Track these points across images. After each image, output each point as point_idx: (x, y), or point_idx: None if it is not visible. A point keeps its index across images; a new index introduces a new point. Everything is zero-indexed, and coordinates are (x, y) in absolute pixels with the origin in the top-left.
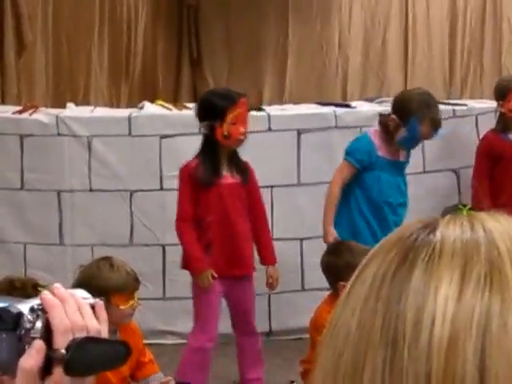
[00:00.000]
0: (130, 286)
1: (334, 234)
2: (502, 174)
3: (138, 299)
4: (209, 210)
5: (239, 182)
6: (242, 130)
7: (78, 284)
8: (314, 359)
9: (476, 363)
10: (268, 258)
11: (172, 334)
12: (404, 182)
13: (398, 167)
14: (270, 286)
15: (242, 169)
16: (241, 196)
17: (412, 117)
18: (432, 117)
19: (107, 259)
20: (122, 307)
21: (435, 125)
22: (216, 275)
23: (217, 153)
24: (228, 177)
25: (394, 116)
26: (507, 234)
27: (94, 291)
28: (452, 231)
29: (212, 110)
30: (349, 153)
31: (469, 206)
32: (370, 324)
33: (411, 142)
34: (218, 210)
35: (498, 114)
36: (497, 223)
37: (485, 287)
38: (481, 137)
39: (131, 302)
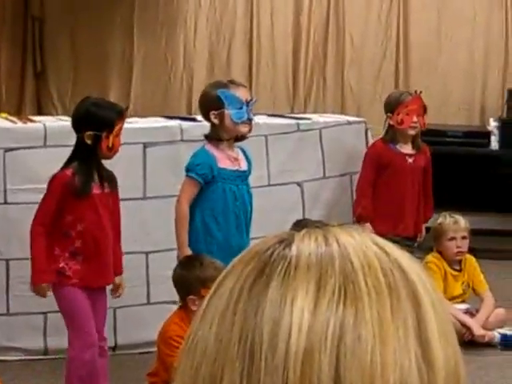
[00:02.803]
0: None
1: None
2: (386, 183)
3: None
4: (80, 220)
5: (108, 191)
6: (120, 141)
7: None
8: (161, 372)
9: (331, 374)
10: (119, 269)
11: (16, 350)
12: (248, 192)
13: (241, 177)
14: (117, 295)
15: (111, 178)
16: (109, 206)
17: (218, 94)
18: (228, 81)
19: None
20: None
21: (235, 82)
22: (79, 285)
23: (93, 163)
24: (99, 187)
25: (211, 113)
26: (360, 248)
27: None
28: (307, 245)
29: (100, 121)
30: (190, 169)
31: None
32: (227, 337)
33: (239, 108)
34: (90, 219)
35: (386, 124)
36: (350, 237)
37: (339, 300)
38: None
39: None
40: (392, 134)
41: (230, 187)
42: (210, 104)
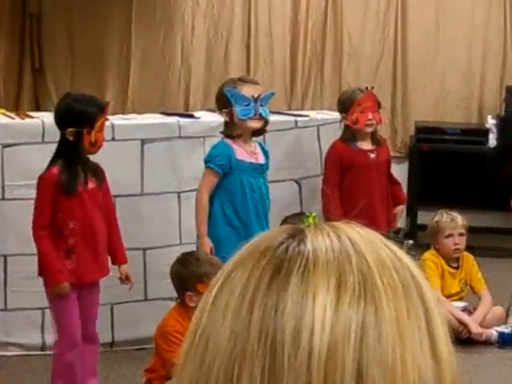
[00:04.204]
0: None
1: (209, 245)
2: (352, 183)
3: None
4: (71, 217)
5: (96, 185)
6: (104, 136)
7: None
8: (159, 368)
9: (354, 373)
10: (122, 257)
11: (14, 345)
12: (265, 185)
13: (258, 169)
14: (126, 282)
15: (97, 171)
16: (99, 200)
17: (224, 92)
18: (238, 79)
19: None
20: None
21: (243, 79)
22: (71, 284)
23: (79, 159)
24: (87, 182)
25: (222, 111)
26: (371, 246)
27: None
28: (322, 241)
29: (81, 117)
30: (209, 160)
31: (313, 214)
32: (245, 334)
33: (246, 104)
34: (80, 216)
35: (343, 124)
36: (358, 234)
37: (360, 298)
38: (327, 146)
39: None
40: (350, 133)
41: (248, 179)
42: (220, 102)
